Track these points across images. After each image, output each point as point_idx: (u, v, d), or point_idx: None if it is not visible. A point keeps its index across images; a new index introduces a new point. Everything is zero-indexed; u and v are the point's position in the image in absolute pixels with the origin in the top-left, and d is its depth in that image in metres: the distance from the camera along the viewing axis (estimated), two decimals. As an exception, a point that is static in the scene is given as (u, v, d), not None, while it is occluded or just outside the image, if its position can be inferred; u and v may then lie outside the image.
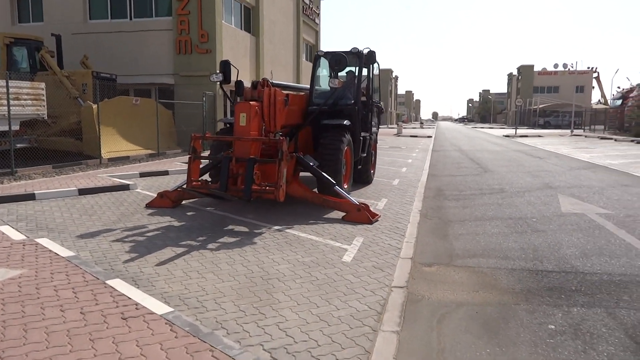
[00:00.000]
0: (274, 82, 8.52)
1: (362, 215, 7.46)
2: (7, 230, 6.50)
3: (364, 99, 10.43)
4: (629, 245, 6.24)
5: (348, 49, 9.80)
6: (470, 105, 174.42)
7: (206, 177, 8.48)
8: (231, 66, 8.66)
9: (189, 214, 7.93)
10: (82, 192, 9.40)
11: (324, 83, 10.52)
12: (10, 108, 11.50)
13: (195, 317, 3.87)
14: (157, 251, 5.71)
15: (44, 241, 5.77)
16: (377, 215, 7.72)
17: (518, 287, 4.78)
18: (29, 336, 3.32)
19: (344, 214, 7.69)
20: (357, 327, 3.81)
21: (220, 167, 7.33)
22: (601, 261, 5.58)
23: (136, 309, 3.78)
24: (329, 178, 7.89)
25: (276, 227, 7.03)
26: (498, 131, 53.42)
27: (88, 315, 3.64)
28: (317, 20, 34.32)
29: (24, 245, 5.59)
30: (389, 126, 71.74)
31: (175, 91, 19.58)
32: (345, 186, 9.02)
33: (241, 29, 22.79)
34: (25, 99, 12.25)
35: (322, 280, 4.88)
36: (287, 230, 6.87)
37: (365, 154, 10.53)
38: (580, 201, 9.35)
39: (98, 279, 4.44)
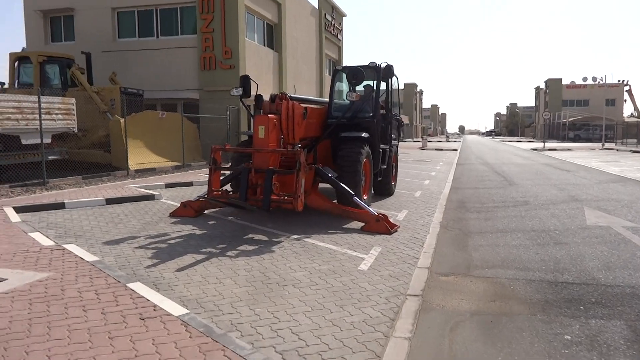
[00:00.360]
0: (292, 95, 8.67)
1: (381, 226, 7.47)
2: (38, 236, 6.75)
3: (383, 112, 10.51)
4: (655, 257, 6.07)
5: (367, 63, 9.91)
6: (497, 118, 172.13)
7: (228, 187, 8.64)
8: (251, 81, 8.89)
9: (210, 222, 8.08)
10: (110, 201, 9.68)
11: (343, 97, 10.64)
12: (42, 122, 11.97)
13: (211, 320, 3.96)
14: (178, 257, 5.85)
15: (71, 247, 5.98)
16: (396, 226, 7.72)
17: (536, 298, 4.72)
18: (52, 333, 3.46)
19: (363, 224, 7.72)
20: (369, 333, 3.83)
21: (240, 178, 7.50)
22: (625, 274, 5.45)
23: (154, 310, 3.89)
24: (347, 189, 7.95)
25: (295, 236, 7.11)
26: (526, 145, 52.54)
27: (108, 315, 3.77)
28: (339, 36, 34.68)
29: (52, 250, 5.81)
30: (414, 139, 71.40)
31: (200, 105, 20.02)
32: (365, 197, 9.05)
33: (264, 45, 23.24)
34: (56, 114, 12.74)
35: (337, 287, 4.92)
36: (306, 240, 6.94)
37: (385, 166, 10.56)
38: (607, 214, 9.14)
39: (120, 282, 4.58)
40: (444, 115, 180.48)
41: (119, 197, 9.97)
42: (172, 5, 20.82)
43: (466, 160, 26.07)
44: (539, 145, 46.83)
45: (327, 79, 32.41)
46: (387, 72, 9.96)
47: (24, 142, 11.89)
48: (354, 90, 8.59)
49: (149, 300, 4.11)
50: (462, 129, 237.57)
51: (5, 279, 4.55)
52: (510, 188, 13.47)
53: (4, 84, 17.27)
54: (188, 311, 3.92)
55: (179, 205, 8.89)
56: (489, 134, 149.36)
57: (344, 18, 36.15)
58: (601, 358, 3.50)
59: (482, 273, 5.56)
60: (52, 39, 22.85)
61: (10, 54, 17.26)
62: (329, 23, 32.28)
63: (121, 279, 4.68)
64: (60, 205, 9.04)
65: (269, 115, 7.78)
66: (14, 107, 11.48)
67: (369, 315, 4.19)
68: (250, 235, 7.18)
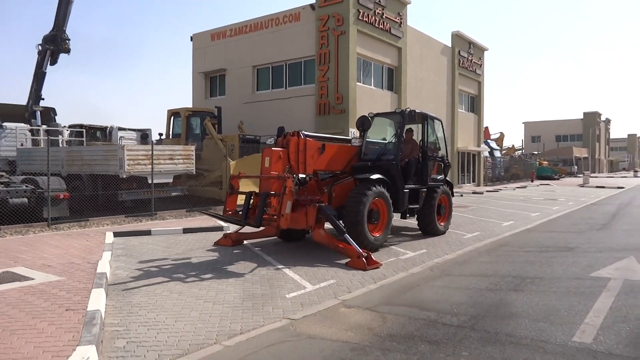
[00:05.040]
0: (310, 134, 9.90)
1: (360, 262, 8.21)
2: (105, 254, 9.17)
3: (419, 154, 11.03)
4: (584, 314, 5.69)
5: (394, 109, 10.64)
6: None
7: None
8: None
9: (235, 252, 9.71)
10: (186, 230, 12.09)
11: (382, 137, 11.49)
12: (166, 165, 15.29)
13: (120, 318, 5.54)
14: (166, 275, 7.58)
15: (104, 262, 8.18)
16: (377, 263, 8.33)
17: (387, 332, 5.16)
18: (9, 311, 5.43)
19: (348, 259, 8.52)
20: (204, 339, 4.96)
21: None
22: (515, 323, 5.39)
23: (80, 305, 5.65)
24: (340, 226, 8.82)
25: (279, 266, 8.30)
26: None
27: (52, 306, 5.64)
28: (478, 71, 34.05)
29: (89, 263, 8.10)
30: (595, 174, 63.34)
31: (315, 147, 22.18)
32: (377, 235, 9.69)
33: (382, 88, 24.60)
34: (178, 159, 16.00)
35: (236, 306, 6.04)
36: (284, 270, 8.07)
37: (418, 206, 10.96)
38: (650, 266, 8.15)
39: (90, 287, 6.48)
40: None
41: (195, 227, 12.35)
42: (297, 60, 23.76)
43: (610, 201, 23.17)
44: None
45: (462, 115, 32.14)
46: (411, 117, 10.54)
47: (149, 181, 15.32)
48: (361, 136, 9.52)
49: (89, 300, 5.87)
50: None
51: (33, 279, 6.85)
52: (591, 233, 12.27)
53: (162, 134, 22.00)
54: (98, 309, 5.54)
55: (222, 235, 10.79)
56: None
57: (485, 52, 35.43)
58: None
59: (384, 309, 6.04)
60: (210, 95, 27.85)
61: (168, 111, 21.95)
62: (465, 59, 32.12)
63: (96, 285, 6.58)
64: (147, 232, 11.70)
65: (273, 148, 9.28)
66: (144, 154, 14.95)
67: (228, 328, 5.28)
68: (246, 263, 8.58)
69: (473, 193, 27.16)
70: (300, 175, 10.81)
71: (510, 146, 61.11)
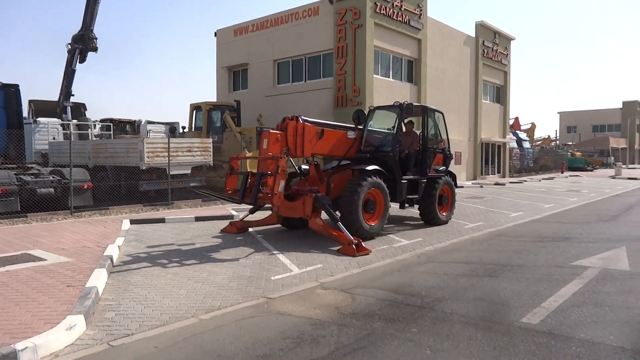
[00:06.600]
0: (309, 119, 10.27)
1: (349, 249, 8.62)
2: (119, 240, 9.87)
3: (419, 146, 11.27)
4: (545, 298, 5.92)
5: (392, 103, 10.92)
6: None
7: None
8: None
9: (238, 238, 10.26)
10: (198, 219, 12.74)
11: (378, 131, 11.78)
12: (184, 158, 16.04)
13: (114, 294, 6.15)
14: (167, 258, 8.19)
15: (112, 246, 8.85)
16: (367, 250, 8.71)
17: (352, 311, 5.57)
18: (17, 286, 6.13)
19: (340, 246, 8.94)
20: (186, 316, 5.51)
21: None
22: (474, 305, 5.70)
23: (80, 282, 6.29)
24: (333, 214, 9.23)
25: (274, 252, 8.80)
26: None
27: (55, 282, 6.31)
28: (504, 61, 33.48)
29: (99, 246, 8.81)
30: (629, 166, 61.06)
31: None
32: (373, 224, 10.05)
33: (401, 80, 24.69)
34: (195, 151, 16.71)
35: (219, 285, 6.57)
36: (278, 255, 8.56)
37: (417, 196, 11.24)
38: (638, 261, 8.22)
39: (93, 267, 7.13)
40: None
41: (206, 215, 12.99)
42: (317, 54, 24.12)
43: (635, 193, 22.67)
44: None
45: (486, 105, 31.81)
46: (408, 110, 10.79)
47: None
48: (356, 128, 9.88)
49: (90, 278, 6.51)
50: None
51: (45, 260, 7.58)
52: (596, 224, 12.24)
53: (184, 127, 22.85)
54: (95, 285, 6.17)
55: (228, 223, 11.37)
56: None
57: (511, 42, 34.79)
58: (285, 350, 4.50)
59: (357, 291, 6.43)
60: (233, 89, 28.58)
61: (190, 105, 22.73)
62: (490, 49, 31.69)
63: (99, 266, 7.22)
64: (162, 220, 12.41)
65: (271, 131, 9.74)
66: (162, 147, 15.71)
67: (209, 305, 5.80)
68: (245, 248, 9.11)
69: (495, 184, 26.96)
70: (303, 167, 11.29)
71: (546, 136, 59.68)
